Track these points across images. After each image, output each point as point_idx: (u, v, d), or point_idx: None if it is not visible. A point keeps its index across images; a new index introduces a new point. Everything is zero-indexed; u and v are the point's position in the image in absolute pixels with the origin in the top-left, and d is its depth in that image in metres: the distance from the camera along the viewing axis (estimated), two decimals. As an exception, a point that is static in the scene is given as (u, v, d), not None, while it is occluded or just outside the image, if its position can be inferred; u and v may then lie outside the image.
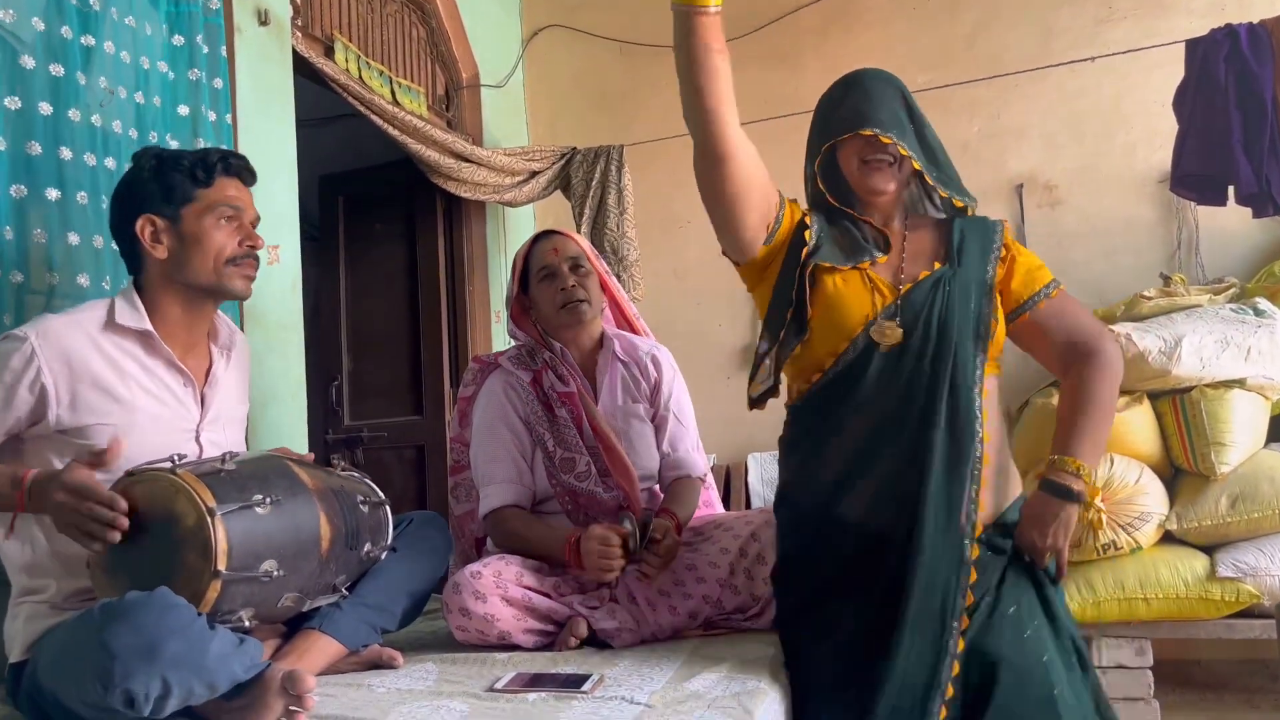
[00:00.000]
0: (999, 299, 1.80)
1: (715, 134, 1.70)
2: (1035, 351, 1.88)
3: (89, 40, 2.15)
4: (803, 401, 1.82)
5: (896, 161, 1.78)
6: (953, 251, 1.79)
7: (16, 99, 2.01)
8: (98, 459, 1.45)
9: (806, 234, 1.80)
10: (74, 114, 2.10)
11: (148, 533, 1.46)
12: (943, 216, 1.91)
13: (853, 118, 1.77)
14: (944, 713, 1.60)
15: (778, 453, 1.96)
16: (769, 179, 1.82)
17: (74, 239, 2.08)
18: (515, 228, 4.38)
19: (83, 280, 2.08)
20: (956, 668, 1.62)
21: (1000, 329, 1.79)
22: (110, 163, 2.18)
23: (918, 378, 1.69)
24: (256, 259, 1.82)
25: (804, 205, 1.93)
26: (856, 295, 1.75)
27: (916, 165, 1.77)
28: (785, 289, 1.78)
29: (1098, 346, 1.78)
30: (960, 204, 1.85)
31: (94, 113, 2.14)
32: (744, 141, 1.73)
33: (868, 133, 1.74)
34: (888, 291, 1.75)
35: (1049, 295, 1.82)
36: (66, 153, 2.08)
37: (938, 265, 1.78)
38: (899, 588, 1.62)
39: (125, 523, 1.42)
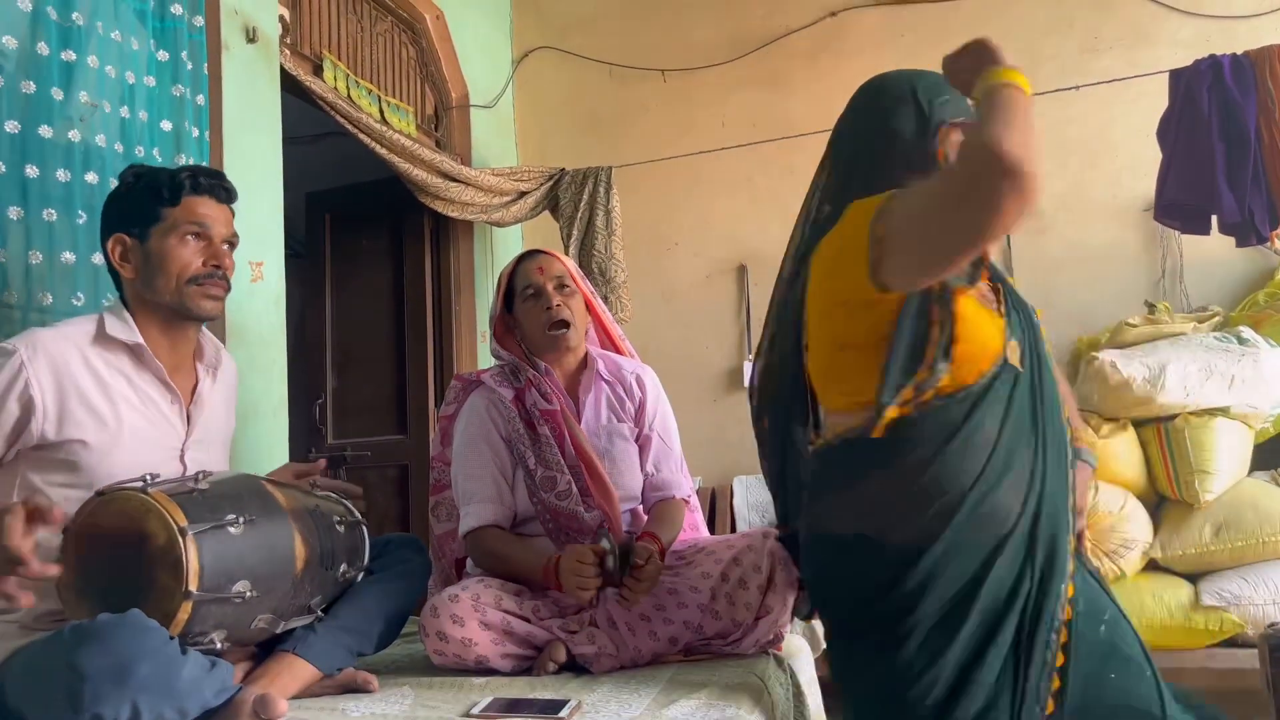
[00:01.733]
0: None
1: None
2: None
3: (69, 55, 2.14)
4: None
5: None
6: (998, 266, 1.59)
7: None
8: (39, 516, 1.36)
9: None
10: (45, 130, 2.09)
11: (118, 553, 1.44)
12: None
13: None
14: None
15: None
16: None
17: (36, 257, 2.06)
18: (503, 248, 4.38)
19: (44, 298, 2.06)
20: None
21: None
22: (92, 177, 2.16)
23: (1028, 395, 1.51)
24: (224, 280, 1.79)
25: None
26: (986, 315, 1.53)
27: None
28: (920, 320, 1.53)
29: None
30: None
31: (72, 128, 2.13)
32: None
33: None
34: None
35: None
36: (33, 170, 2.06)
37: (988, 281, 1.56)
38: None
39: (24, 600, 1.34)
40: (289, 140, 3.00)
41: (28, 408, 1.61)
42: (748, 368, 4.28)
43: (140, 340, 1.73)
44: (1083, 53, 3.91)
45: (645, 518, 2.22)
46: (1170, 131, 3.21)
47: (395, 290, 4.29)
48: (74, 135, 2.14)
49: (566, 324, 2.20)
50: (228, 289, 1.81)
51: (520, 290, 2.26)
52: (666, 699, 1.65)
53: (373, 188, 4.27)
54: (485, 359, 4.19)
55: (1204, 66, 3.15)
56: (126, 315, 1.75)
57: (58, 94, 2.11)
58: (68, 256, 2.11)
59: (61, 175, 2.11)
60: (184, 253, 1.74)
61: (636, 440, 2.27)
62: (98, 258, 2.11)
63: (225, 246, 1.80)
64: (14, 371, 1.60)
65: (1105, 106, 3.80)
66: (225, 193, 1.82)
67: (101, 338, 1.71)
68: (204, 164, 2.43)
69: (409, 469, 4.17)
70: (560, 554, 1.94)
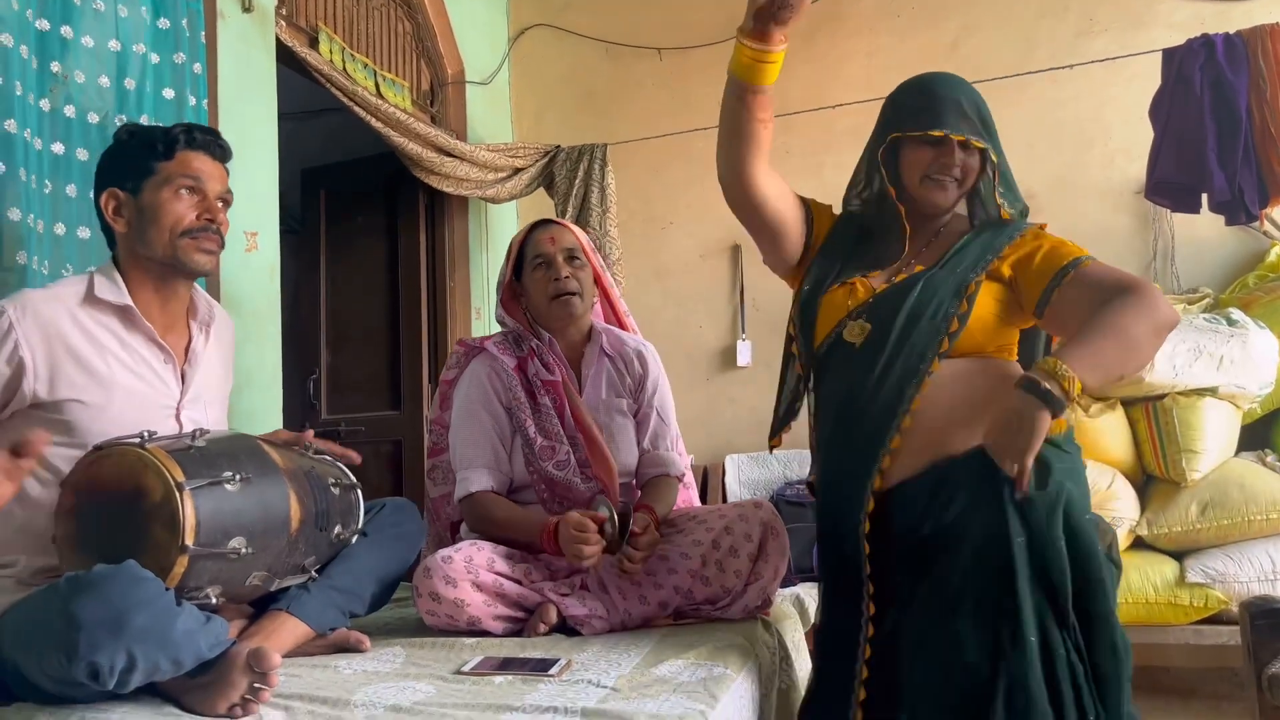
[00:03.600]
0: (1007, 293, 1.74)
1: (746, 190, 1.85)
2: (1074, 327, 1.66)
3: (43, 24, 2.15)
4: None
5: (958, 180, 1.78)
6: (948, 254, 1.79)
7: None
8: (22, 449, 1.39)
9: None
10: (44, 104, 2.12)
11: (115, 507, 1.45)
12: (979, 221, 1.86)
13: (926, 118, 1.75)
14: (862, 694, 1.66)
15: None
16: (796, 205, 1.92)
17: (39, 225, 2.08)
18: (498, 224, 4.38)
19: (44, 268, 2.09)
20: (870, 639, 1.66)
21: (990, 324, 1.73)
22: (58, 147, 2.18)
23: (871, 369, 1.71)
24: (218, 235, 1.78)
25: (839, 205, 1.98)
26: (837, 301, 1.81)
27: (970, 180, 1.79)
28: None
29: (1130, 286, 1.61)
30: (1006, 214, 1.82)
31: (43, 97, 2.14)
32: (769, 182, 1.85)
33: (938, 134, 1.73)
34: (864, 293, 1.79)
35: (1078, 268, 1.67)
36: (38, 142, 2.09)
37: (919, 268, 1.78)
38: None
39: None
40: (284, 116, 3.01)
41: (19, 368, 1.62)
42: (741, 347, 4.30)
43: (129, 302, 1.73)
44: (1078, 36, 3.92)
45: (639, 493, 2.24)
46: (1162, 110, 3.23)
47: (390, 266, 4.30)
48: (45, 105, 2.15)
49: (573, 293, 2.20)
50: (221, 244, 1.80)
51: (530, 259, 2.25)
52: (655, 659, 1.68)
53: (368, 164, 4.27)
54: (479, 334, 4.20)
55: (1197, 45, 3.17)
56: (116, 276, 1.75)
57: (33, 61, 2.13)
58: (59, 228, 2.13)
59: (36, 143, 2.12)
60: (177, 206, 1.74)
61: (635, 416, 2.28)
62: (60, 228, 2.13)
63: (219, 203, 1.79)
64: (3, 332, 1.61)
65: (1099, 89, 3.82)
66: (220, 149, 1.82)
67: (91, 299, 1.71)
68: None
69: (402, 444, 4.18)
70: (558, 519, 1.95)
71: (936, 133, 1.73)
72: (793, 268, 1.94)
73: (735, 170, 1.83)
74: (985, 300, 1.72)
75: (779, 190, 1.87)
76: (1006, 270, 1.74)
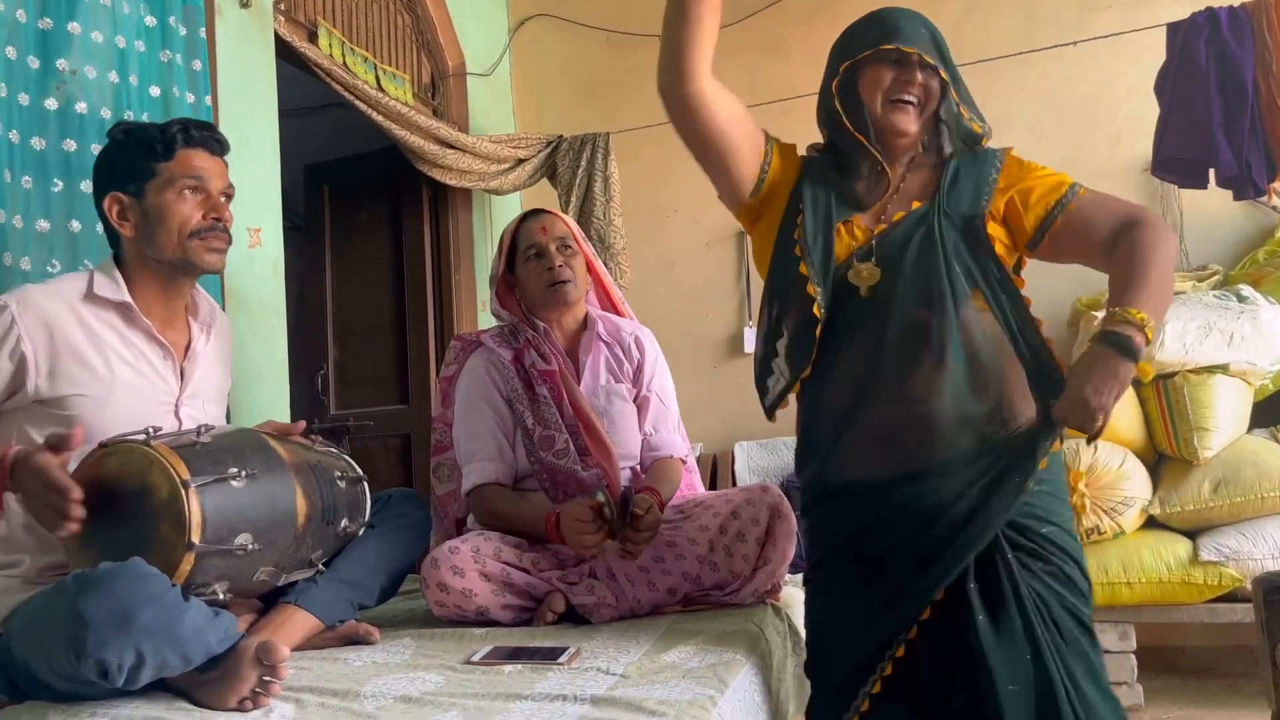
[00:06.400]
0: (1004, 231, 1.71)
1: (688, 93, 1.68)
2: (1079, 254, 1.70)
3: (46, 23, 2.15)
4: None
5: (919, 104, 1.71)
6: (941, 189, 1.71)
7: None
8: (61, 443, 1.41)
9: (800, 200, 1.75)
10: (23, 98, 2.10)
11: (121, 505, 1.45)
12: (948, 152, 1.77)
13: (878, 37, 1.69)
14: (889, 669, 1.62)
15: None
16: (752, 128, 1.78)
17: (18, 221, 2.08)
18: (502, 216, 4.37)
19: (25, 264, 2.07)
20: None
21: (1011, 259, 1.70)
22: (70, 144, 2.17)
23: (898, 317, 1.63)
24: (225, 233, 1.79)
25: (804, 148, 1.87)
26: (839, 241, 1.71)
27: (935, 104, 1.72)
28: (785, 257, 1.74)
29: (1142, 218, 1.64)
30: (978, 128, 1.76)
31: (48, 96, 2.13)
32: (718, 92, 1.71)
33: (889, 46, 1.67)
34: (861, 235, 1.71)
35: (1076, 196, 1.68)
36: (15, 136, 2.07)
37: (916, 205, 1.70)
38: None
39: (78, 513, 1.38)
40: (286, 113, 3.00)
41: (20, 363, 1.63)
42: (748, 334, 4.29)
43: (128, 299, 1.73)
44: (1083, 11, 3.88)
45: (644, 477, 2.24)
46: (1168, 85, 3.20)
47: (395, 260, 4.30)
48: (50, 104, 2.14)
49: (567, 280, 2.21)
50: (229, 241, 1.81)
51: (523, 250, 2.26)
52: (665, 645, 1.67)
53: (370, 159, 4.27)
54: (485, 326, 4.20)
55: (1201, 19, 3.14)
56: (116, 274, 1.75)
57: (33, 62, 2.12)
58: (42, 224, 2.13)
59: (36, 143, 2.12)
60: (183, 207, 1.74)
61: (635, 401, 2.29)
62: (75, 224, 2.13)
63: (223, 199, 1.80)
64: (5, 327, 1.62)
65: (1104, 66, 3.78)
66: (218, 144, 1.82)
67: (91, 295, 1.72)
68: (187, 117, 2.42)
69: (411, 438, 4.19)
70: (558, 510, 1.96)
71: (889, 46, 1.67)
72: (744, 202, 1.81)
73: (675, 64, 1.65)
74: (993, 240, 1.68)
75: (728, 102, 1.72)
76: (1001, 204, 1.70)
